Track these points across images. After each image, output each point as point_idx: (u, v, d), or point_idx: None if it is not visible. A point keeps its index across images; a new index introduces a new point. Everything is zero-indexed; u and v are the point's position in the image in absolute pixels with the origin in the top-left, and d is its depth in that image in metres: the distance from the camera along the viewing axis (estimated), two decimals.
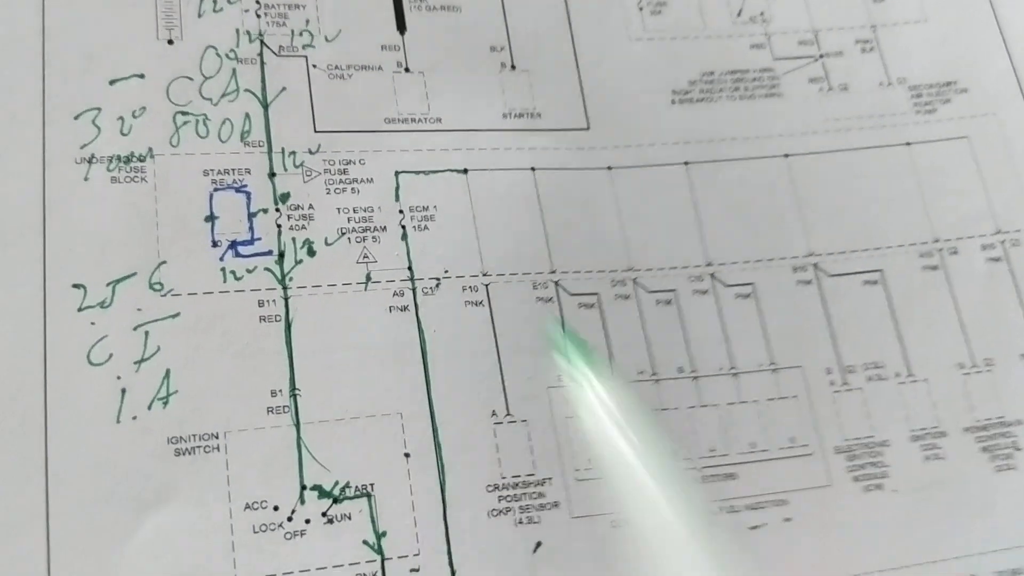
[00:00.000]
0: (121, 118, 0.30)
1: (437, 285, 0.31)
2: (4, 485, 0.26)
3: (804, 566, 0.30)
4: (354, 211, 0.31)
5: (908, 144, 0.36)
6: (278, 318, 0.29)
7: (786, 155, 0.35)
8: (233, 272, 0.29)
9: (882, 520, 0.31)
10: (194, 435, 0.27)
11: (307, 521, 0.27)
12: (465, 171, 0.32)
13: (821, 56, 0.37)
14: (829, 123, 0.36)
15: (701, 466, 0.30)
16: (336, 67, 0.32)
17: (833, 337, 0.33)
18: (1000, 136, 0.37)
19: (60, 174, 0.29)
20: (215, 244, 0.29)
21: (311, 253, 0.30)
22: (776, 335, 0.33)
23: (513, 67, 0.34)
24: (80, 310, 0.28)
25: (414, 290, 0.30)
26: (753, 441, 0.31)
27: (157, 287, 0.28)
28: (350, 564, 0.27)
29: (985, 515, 0.31)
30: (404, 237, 0.31)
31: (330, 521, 0.27)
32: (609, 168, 0.34)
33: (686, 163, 0.34)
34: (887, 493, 0.31)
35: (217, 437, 0.27)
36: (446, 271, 0.31)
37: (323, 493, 0.27)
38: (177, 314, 0.28)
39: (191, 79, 0.31)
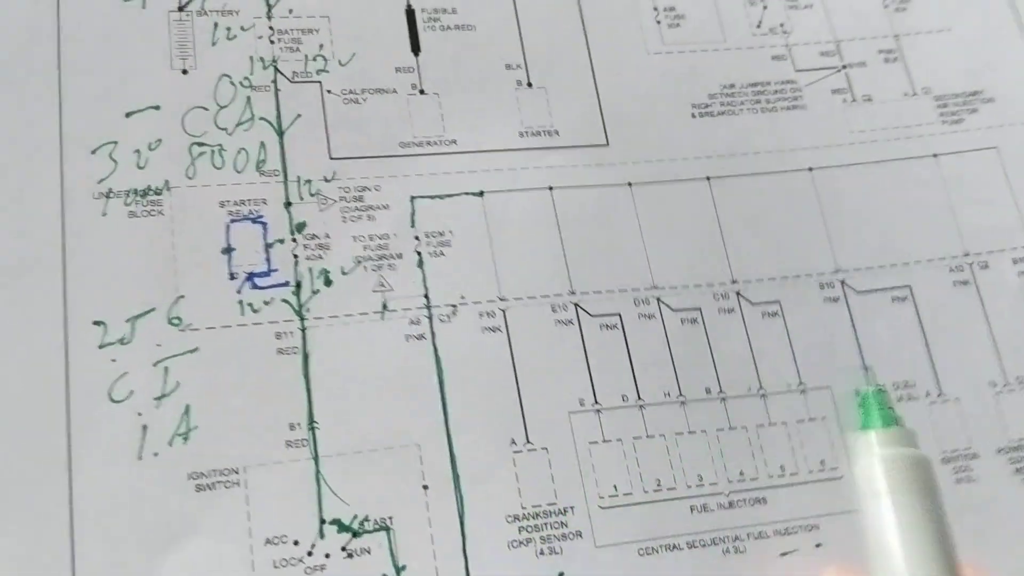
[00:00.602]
0: (138, 151, 0.30)
1: (454, 312, 0.30)
2: (30, 521, 0.26)
3: None
4: (370, 239, 0.31)
5: (935, 155, 0.35)
6: (295, 350, 0.29)
7: (810, 168, 0.34)
8: (250, 304, 0.29)
9: None
10: (214, 470, 0.27)
11: (327, 555, 0.27)
12: (481, 193, 0.32)
13: (844, 67, 0.36)
14: (854, 135, 0.35)
15: (730, 491, 0.30)
16: (351, 91, 0.32)
17: (862, 357, 0.32)
18: None
19: (78, 210, 0.29)
20: (232, 276, 0.29)
21: (327, 283, 0.30)
22: (804, 355, 0.32)
23: (529, 84, 0.34)
24: (101, 347, 0.28)
25: (430, 318, 0.30)
26: (783, 464, 0.31)
27: (176, 322, 0.28)
28: None
29: (1019, 540, 0.30)
30: (420, 264, 0.31)
31: (349, 555, 0.27)
32: (630, 184, 0.33)
33: (708, 178, 0.34)
34: None
35: (237, 472, 0.27)
36: (462, 297, 0.30)
37: (342, 527, 0.27)
38: (196, 349, 0.28)
39: (206, 109, 0.31)
